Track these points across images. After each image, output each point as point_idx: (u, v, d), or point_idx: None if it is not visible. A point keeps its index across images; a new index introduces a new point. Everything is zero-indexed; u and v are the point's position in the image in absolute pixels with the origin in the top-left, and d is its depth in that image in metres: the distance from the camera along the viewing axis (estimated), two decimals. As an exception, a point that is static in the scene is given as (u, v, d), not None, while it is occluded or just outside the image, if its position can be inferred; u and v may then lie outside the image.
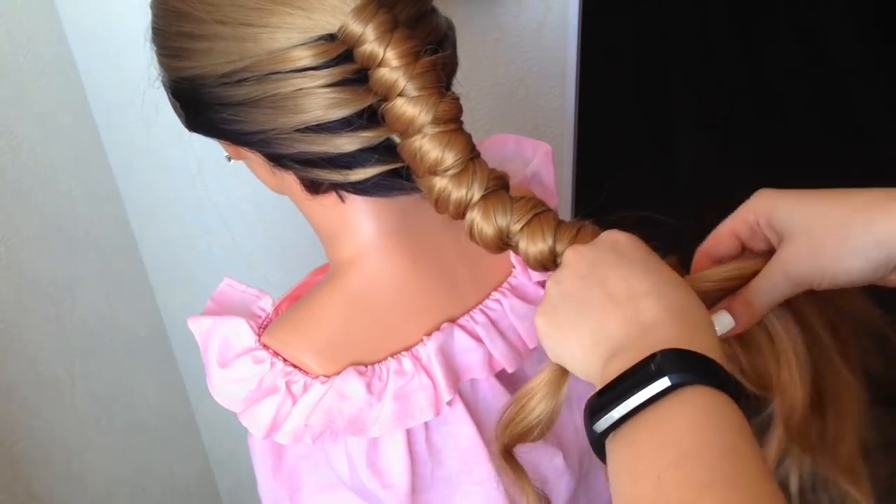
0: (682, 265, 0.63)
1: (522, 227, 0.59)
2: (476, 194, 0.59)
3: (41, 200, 1.17)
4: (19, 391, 1.16)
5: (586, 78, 1.29)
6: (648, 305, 0.53)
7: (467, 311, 0.73)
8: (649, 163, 2.74)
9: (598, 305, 0.55)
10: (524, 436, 0.61)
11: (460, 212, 0.60)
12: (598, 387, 0.52)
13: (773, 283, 0.59)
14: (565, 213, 1.35)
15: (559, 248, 0.59)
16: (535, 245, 0.59)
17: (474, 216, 0.59)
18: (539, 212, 0.60)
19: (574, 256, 0.58)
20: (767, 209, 0.61)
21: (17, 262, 1.13)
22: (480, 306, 0.74)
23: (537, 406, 0.60)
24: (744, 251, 0.64)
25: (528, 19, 1.17)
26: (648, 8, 3.23)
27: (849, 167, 2.69)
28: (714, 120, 2.88)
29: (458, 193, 0.59)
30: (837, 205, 0.58)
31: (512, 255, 0.76)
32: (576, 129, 1.29)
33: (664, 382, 0.48)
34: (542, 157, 0.85)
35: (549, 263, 0.60)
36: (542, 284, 0.77)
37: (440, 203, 0.60)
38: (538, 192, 0.83)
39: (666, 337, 0.51)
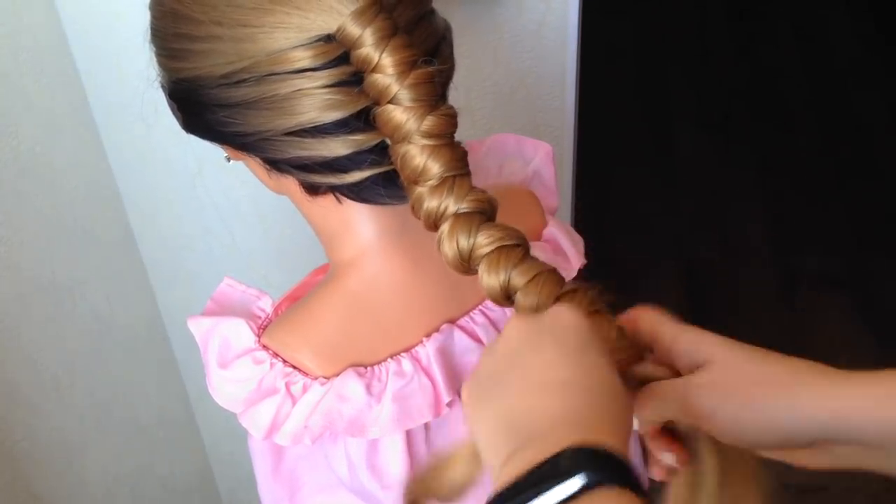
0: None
1: (485, 255, 0.56)
2: (448, 210, 0.57)
3: (41, 200, 1.17)
4: (19, 391, 1.16)
5: (586, 78, 1.29)
6: (562, 397, 0.49)
7: (467, 312, 0.73)
8: (649, 163, 2.74)
9: (514, 388, 0.51)
10: (435, 495, 0.57)
11: (430, 223, 0.58)
12: (497, 484, 0.46)
13: (670, 392, 0.55)
14: (565, 213, 1.35)
15: (515, 283, 0.56)
16: (490, 278, 0.56)
17: (442, 231, 0.57)
18: (505, 245, 0.56)
19: (512, 327, 0.54)
20: (696, 338, 0.56)
21: (17, 262, 1.13)
22: (480, 307, 0.74)
23: (457, 471, 0.56)
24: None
25: (528, 19, 1.17)
26: (648, 8, 3.23)
27: (849, 167, 2.70)
28: (714, 120, 2.88)
29: (428, 205, 0.57)
30: (768, 363, 0.55)
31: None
32: (576, 129, 1.29)
33: (576, 483, 0.43)
34: (543, 157, 0.85)
35: (500, 300, 0.57)
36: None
37: (415, 211, 0.59)
38: (539, 191, 0.83)
39: (572, 434, 0.46)
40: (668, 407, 0.55)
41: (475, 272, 0.57)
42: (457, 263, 0.58)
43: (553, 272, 0.57)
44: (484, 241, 0.56)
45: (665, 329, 0.58)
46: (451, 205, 0.57)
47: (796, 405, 0.53)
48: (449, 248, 0.57)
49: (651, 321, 0.58)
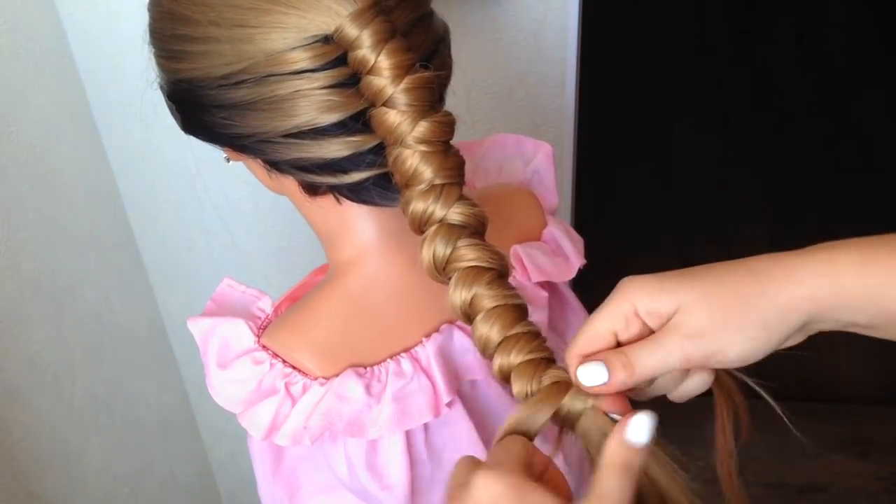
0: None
1: (457, 270, 0.57)
2: (435, 215, 0.57)
3: (41, 200, 1.17)
4: (19, 391, 1.16)
5: (586, 78, 1.29)
6: None
7: (466, 313, 0.73)
8: (649, 163, 2.74)
9: None
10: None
11: (415, 226, 0.59)
12: None
13: (665, 350, 0.54)
14: (565, 212, 1.35)
15: (479, 306, 0.56)
16: (454, 293, 0.57)
17: (425, 235, 0.58)
18: (478, 266, 0.57)
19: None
20: (647, 295, 0.55)
21: (17, 262, 1.13)
22: (480, 307, 0.74)
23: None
24: (618, 346, 0.57)
25: (527, 19, 1.17)
26: (648, 8, 3.23)
27: (849, 167, 2.70)
28: (714, 120, 2.88)
29: (414, 207, 0.58)
30: (727, 277, 0.54)
31: (511, 255, 0.76)
32: (576, 129, 1.29)
33: None
34: (543, 157, 0.85)
35: (461, 318, 0.58)
36: (542, 285, 0.77)
37: (403, 212, 0.59)
38: (539, 191, 0.83)
39: None
40: (671, 358, 0.54)
41: (447, 283, 0.58)
42: (430, 270, 0.58)
43: (510, 308, 0.56)
44: (459, 256, 0.57)
45: (618, 319, 0.56)
46: (438, 211, 0.57)
47: (779, 305, 0.53)
48: (425, 254, 0.58)
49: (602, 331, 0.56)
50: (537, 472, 0.53)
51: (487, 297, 0.56)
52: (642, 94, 2.97)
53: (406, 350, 0.70)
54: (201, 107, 0.62)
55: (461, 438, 0.73)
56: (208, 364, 0.70)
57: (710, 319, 0.53)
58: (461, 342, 0.71)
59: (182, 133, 0.68)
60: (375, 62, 0.57)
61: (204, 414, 1.60)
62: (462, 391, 0.73)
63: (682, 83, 3.01)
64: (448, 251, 0.57)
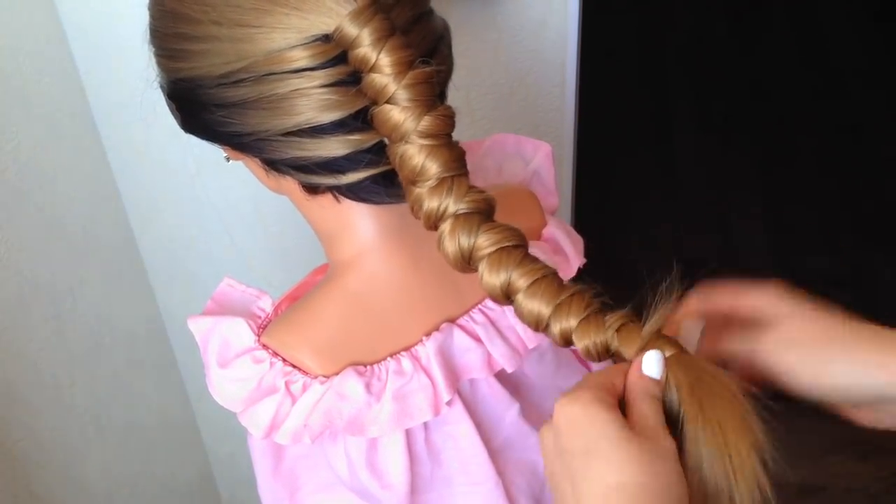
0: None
1: (486, 256, 0.58)
2: (448, 210, 0.58)
3: (41, 200, 1.17)
4: (19, 391, 1.16)
5: (586, 78, 1.29)
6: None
7: (466, 311, 0.73)
8: (649, 163, 2.75)
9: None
10: None
11: (430, 223, 0.59)
12: None
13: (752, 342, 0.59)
14: (565, 212, 1.35)
15: (516, 285, 0.57)
16: (491, 277, 0.58)
17: (443, 231, 0.58)
18: (505, 246, 0.58)
19: (547, 438, 0.56)
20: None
21: (17, 262, 1.14)
22: (480, 306, 0.74)
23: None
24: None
25: (527, 19, 1.17)
26: (649, 7, 3.24)
27: (849, 167, 2.70)
28: (714, 120, 2.88)
29: (429, 205, 0.58)
30: (832, 321, 0.59)
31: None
32: (576, 129, 1.29)
33: None
34: (543, 157, 0.85)
35: (501, 299, 0.59)
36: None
37: (414, 211, 0.60)
38: (538, 191, 0.83)
39: None
40: (737, 353, 0.59)
41: (475, 270, 0.58)
42: (458, 262, 0.59)
43: (552, 276, 0.58)
44: (485, 242, 0.58)
45: (722, 298, 0.63)
46: (451, 205, 0.58)
47: (855, 365, 0.57)
48: (450, 248, 0.58)
49: (702, 300, 0.64)
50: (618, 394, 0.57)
51: (523, 276, 0.57)
52: (642, 94, 2.97)
53: (406, 349, 0.70)
54: (201, 105, 0.62)
55: (461, 437, 0.73)
56: (209, 363, 0.71)
57: (803, 334, 0.59)
58: (461, 341, 0.71)
59: (182, 133, 0.68)
60: (377, 60, 0.57)
61: (204, 414, 1.61)
62: (462, 390, 0.73)
63: (682, 83, 3.01)
64: (472, 241, 0.58)
